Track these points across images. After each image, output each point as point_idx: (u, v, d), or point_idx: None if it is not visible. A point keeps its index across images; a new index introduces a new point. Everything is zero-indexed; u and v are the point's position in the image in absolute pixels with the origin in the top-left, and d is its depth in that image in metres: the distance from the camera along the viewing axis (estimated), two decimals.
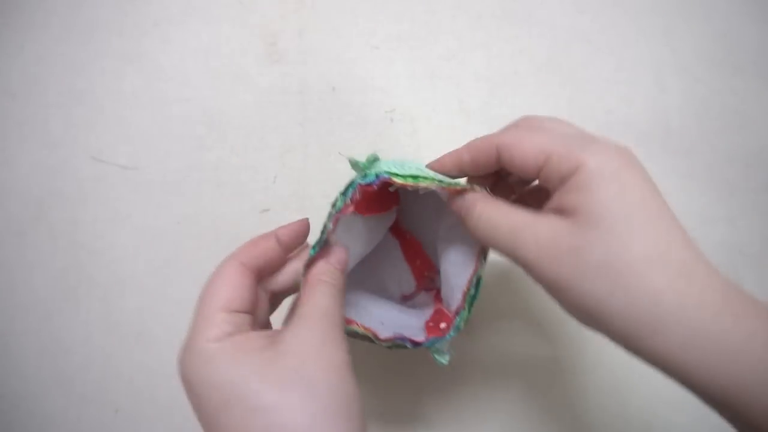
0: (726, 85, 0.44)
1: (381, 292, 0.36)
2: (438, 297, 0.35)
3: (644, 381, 0.39)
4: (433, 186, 0.27)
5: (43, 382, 0.39)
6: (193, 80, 0.43)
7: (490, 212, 0.26)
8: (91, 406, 0.38)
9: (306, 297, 0.26)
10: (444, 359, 0.29)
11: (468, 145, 0.27)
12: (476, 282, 0.29)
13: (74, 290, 0.40)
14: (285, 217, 0.42)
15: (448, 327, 0.29)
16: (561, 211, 0.23)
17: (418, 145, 0.42)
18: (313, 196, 0.41)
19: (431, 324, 0.32)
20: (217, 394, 0.23)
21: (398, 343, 0.29)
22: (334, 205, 0.27)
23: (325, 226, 0.27)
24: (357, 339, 0.29)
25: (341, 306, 0.27)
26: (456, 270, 0.30)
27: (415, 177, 0.27)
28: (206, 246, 0.40)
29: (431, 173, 0.27)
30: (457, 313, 0.29)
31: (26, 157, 0.41)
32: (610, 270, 0.21)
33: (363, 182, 0.26)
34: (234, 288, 0.26)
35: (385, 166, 0.27)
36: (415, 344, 0.29)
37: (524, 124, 0.27)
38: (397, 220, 0.37)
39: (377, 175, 0.26)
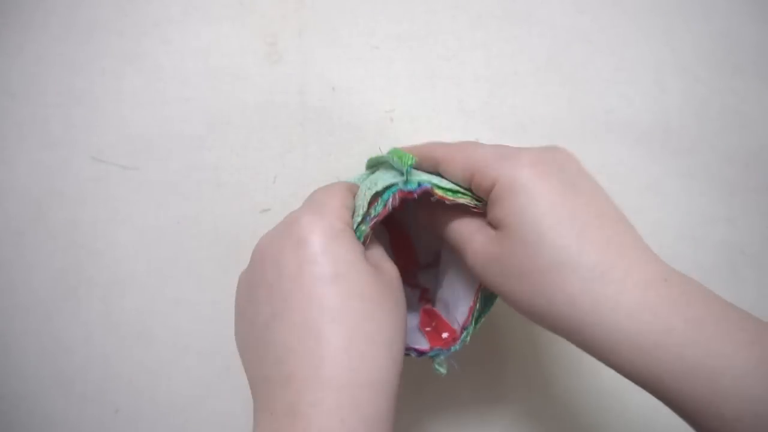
0: (726, 85, 0.44)
1: None
2: (424, 297, 0.35)
3: None
4: (470, 204, 0.27)
5: (43, 382, 0.39)
6: (193, 80, 0.43)
7: (443, 222, 0.28)
8: (91, 406, 0.38)
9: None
10: (443, 369, 0.29)
11: (417, 149, 0.29)
12: (483, 299, 0.29)
13: (74, 290, 0.40)
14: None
15: (451, 338, 0.29)
16: (490, 223, 0.26)
17: None
18: None
19: (428, 329, 0.31)
20: (332, 266, 0.23)
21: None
22: (371, 206, 0.26)
23: (359, 229, 0.26)
24: None
25: None
26: (465, 282, 0.30)
27: (454, 192, 0.27)
28: (206, 246, 0.40)
29: (468, 191, 0.28)
30: (463, 327, 0.29)
31: (26, 157, 0.41)
32: (528, 276, 0.23)
33: (405, 189, 0.26)
34: (350, 198, 0.27)
35: (420, 176, 0.27)
36: (420, 354, 0.29)
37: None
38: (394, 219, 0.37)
39: (420, 184, 0.26)
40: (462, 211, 0.27)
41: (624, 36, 0.44)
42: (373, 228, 0.26)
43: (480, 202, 0.27)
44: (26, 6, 0.43)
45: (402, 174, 0.26)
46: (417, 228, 0.37)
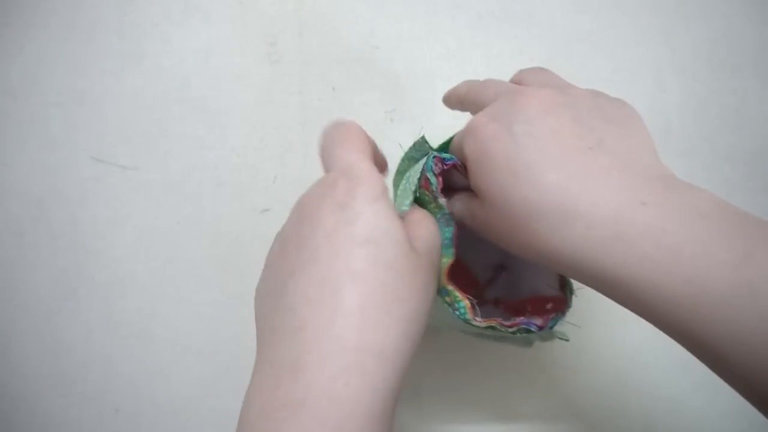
0: (725, 85, 0.44)
1: None
2: (500, 303, 0.34)
3: (644, 381, 0.39)
4: None
5: (43, 382, 0.39)
6: (193, 80, 0.43)
7: (456, 201, 0.29)
8: (91, 406, 0.38)
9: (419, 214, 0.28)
10: (566, 337, 0.29)
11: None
12: None
13: (74, 290, 0.40)
14: (285, 217, 0.42)
15: (560, 302, 0.29)
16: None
17: None
18: None
19: (526, 316, 0.30)
20: (365, 230, 0.23)
21: (523, 329, 0.28)
22: (417, 182, 0.28)
23: (417, 187, 0.28)
24: (467, 333, 0.29)
25: None
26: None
27: None
28: (206, 246, 0.40)
29: None
30: (562, 286, 0.29)
31: (26, 157, 0.41)
32: (510, 233, 0.24)
33: (441, 156, 0.28)
34: (369, 146, 0.27)
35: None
36: (540, 328, 0.28)
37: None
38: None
39: (452, 157, 0.28)
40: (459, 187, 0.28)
41: (624, 36, 0.44)
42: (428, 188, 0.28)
43: None
44: (27, 6, 0.43)
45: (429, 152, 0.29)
46: (467, 250, 0.37)
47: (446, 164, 0.28)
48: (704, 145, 0.43)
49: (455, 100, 0.33)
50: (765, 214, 0.44)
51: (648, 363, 0.39)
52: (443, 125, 0.43)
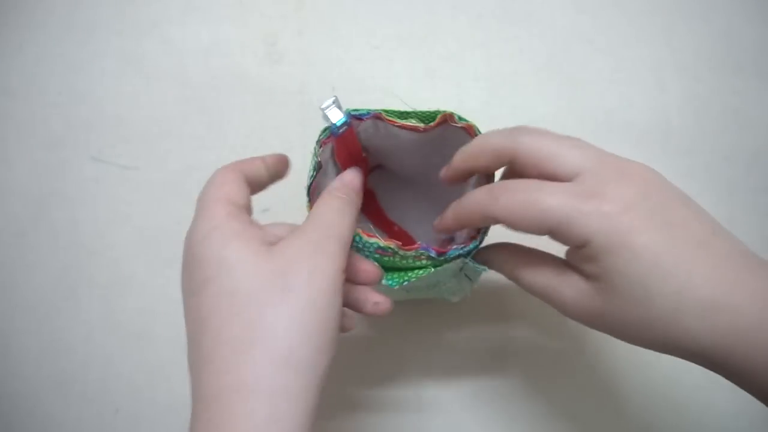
0: (726, 85, 0.44)
1: None
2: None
3: (644, 381, 0.39)
4: (419, 126, 0.28)
5: (43, 382, 0.39)
6: (193, 80, 0.43)
7: (524, 276, 0.27)
8: (91, 406, 0.38)
9: (312, 209, 0.26)
10: (482, 267, 0.28)
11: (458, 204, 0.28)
12: None
13: (74, 290, 0.40)
14: (285, 217, 0.42)
15: (465, 243, 0.29)
16: (582, 275, 0.25)
17: None
18: None
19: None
20: (201, 271, 0.23)
21: (422, 253, 0.28)
22: (320, 136, 0.29)
23: (314, 151, 0.29)
24: (370, 257, 0.28)
25: (350, 223, 0.26)
26: None
27: (401, 115, 0.29)
28: None
29: (417, 112, 0.29)
30: (472, 238, 0.29)
31: (26, 157, 0.41)
32: (634, 326, 0.24)
33: (355, 114, 0.28)
34: (233, 184, 0.26)
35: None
36: (440, 253, 0.28)
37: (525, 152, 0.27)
38: (383, 213, 0.37)
39: (369, 111, 0.28)
40: (538, 258, 0.27)
41: (624, 36, 0.44)
42: (322, 146, 0.28)
43: (425, 123, 0.28)
44: (26, 6, 0.43)
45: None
46: (413, 222, 0.37)
47: (365, 118, 0.28)
48: (704, 145, 0.43)
49: (490, 156, 0.28)
50: (765, 214, 0.44)
51: (648, 363, 0.39)
52: None
